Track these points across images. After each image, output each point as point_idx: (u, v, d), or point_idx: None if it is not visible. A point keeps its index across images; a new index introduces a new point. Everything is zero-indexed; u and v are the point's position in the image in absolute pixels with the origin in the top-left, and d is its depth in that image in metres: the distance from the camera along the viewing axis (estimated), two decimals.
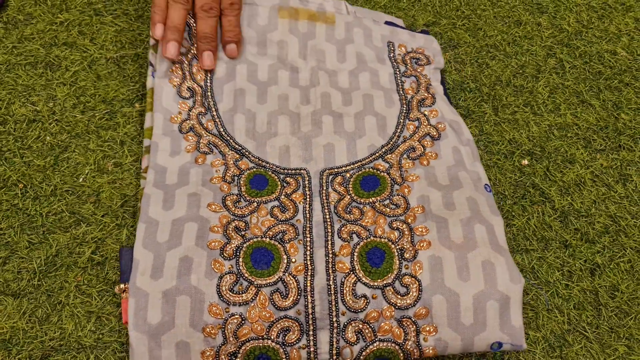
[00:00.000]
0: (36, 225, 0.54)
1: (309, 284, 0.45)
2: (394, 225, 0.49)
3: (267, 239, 0.48)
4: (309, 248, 0.47)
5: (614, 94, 0.69)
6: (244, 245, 0.47)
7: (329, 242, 0.48)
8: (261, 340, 0.44)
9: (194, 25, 0.62)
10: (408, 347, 0.45)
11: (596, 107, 0.68)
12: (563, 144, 0.64)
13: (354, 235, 0.48)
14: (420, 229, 0.49)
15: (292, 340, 0.44)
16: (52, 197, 0.56)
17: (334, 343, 0.44)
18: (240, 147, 0.56)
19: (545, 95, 0.68)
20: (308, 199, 0.51)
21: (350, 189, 0.53)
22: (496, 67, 0.70)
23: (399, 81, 0.63)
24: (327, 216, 0.50)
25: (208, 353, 0.43)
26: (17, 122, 0.60)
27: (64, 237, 0.53)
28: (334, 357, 0.45)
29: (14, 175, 0.57)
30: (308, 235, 0.48)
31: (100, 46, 0.67)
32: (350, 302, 0.45)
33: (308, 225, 0.49)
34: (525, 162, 0.63)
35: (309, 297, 0.45)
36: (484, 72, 0.70)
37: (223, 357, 0.43)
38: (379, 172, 0.54)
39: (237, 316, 0.44)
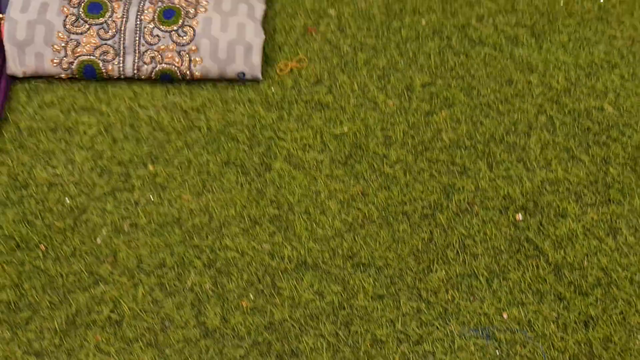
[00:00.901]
0: (57, 286, 0.57)
1: (123, 26, 0.74)
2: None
3: None
4: (126, 5, 0.76)
5: (602, 149, 0.73)
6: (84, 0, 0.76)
7: (141, 4, 0.76)
8: (89, 57, 0.72)
9: None
10: (183, 70, 0.74)
11: (586, 162, 0.72)
12: (555, 198, 0.68)
13: (159, 2, 0.77)
14: (203, 3, 0.77)
15: (109, 58, 0.73)
16: (72, 258, 0.59)
17: (136, 63, 0.73)
18: None
19: (537, 152, 0.72)
20: None
21: None
22: (490, 124, 0.74)
23: None
24: None
25: (56, 60, 0.72)
26: (38, 185, 0.64)
27: (84, 297, 0.56)
28: (135, 72, 0.73)
29: (36, 237, 0.60)
30: None
31: (116, 109, 0.71)
32: (149, 38, 0.74)
33: None
34: (519, 216, 0.66)
35: (122, 34, 0.74)
36: (479, 129, 0.74)
37: (65, 64, 0.71)
38: None
39: (74, 41, 0.73)
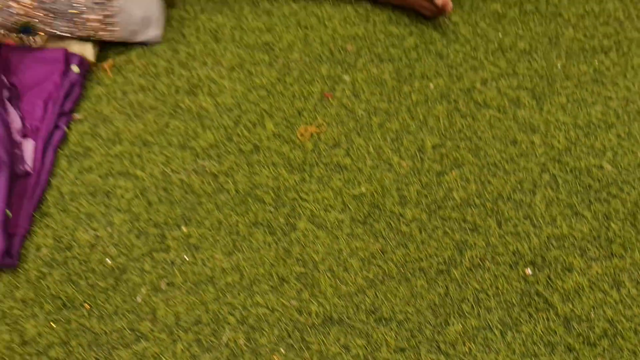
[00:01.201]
0: (102, 343, 0.61)
1: None
2: None
3: None
4: None
5: (603, 206, 0.78)
6: None
7: None
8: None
9: None
10: None
11: (588, 218, 0.77)
12: (561, 253, 0.73)
13: None
14: None
15: None
16: (115, 316, 0.63)
17: None
18: None
19: (542, 209, 0.77)
20: None
21: None
22: (497, 183, 0.80)
23: None
24: None
25: None
26: (81, 247, 0.69)
27: (127, 353, 0.61)
28: None
29: (81, 296, 0.65)
30: None
31: (150, 174, 0.77)
32: None
33: None
34: (528, 271, 0.71)
35: None
36: (487, 188, 0.79)
37: None
38: None
39: None
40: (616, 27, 1.07)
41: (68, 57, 0.84)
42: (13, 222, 0.66)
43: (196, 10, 1.02)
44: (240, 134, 0.83)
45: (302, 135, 0.83)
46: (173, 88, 0.88)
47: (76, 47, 0.88)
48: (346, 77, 0.93)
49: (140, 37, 0.93)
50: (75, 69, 0.84)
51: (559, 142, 0.86)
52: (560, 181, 0.80)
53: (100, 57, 0.91)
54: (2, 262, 0.63)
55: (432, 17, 1.03)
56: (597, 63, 0.99)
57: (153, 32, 0.94)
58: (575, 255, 0.73)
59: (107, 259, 0.68)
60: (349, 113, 0.87)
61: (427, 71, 0.95)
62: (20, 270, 0.66)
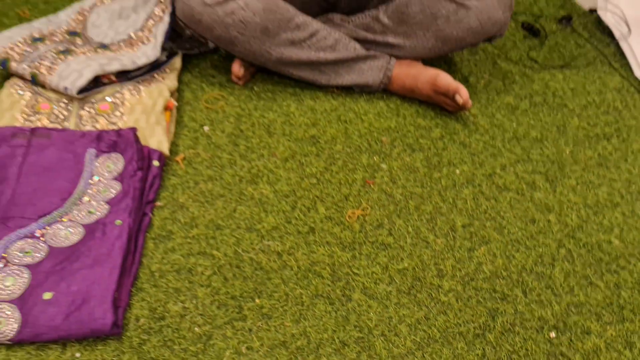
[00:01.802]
0: None
1: None
2: None
3: None
4: None
5: (614, 276, 0.90)
6: None
7: None
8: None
9: None
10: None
11: (602, 287, 0.89)
12: (580, 318, 0.85)
13: None
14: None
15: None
16: None
17: None
18: None
19: (561, 279, 0.90)
20: None
21: None
22: (520, 257, 0.93)
23: None
24: None
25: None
26: (172, 317, 0.82)
27: None
28: None
29: (176, 359, 0.77)
30: None
31: (224, 253, 0.91)
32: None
33: None
34: (552, 334, 0.82)
35: None
36: (512, 262, 0.92)
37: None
38: None
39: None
40: (616, 116, 1.23)
41: (150, 153, 1.00)
42: (117, 296, 0.80)
43: (250, 107, 1.19)
44: (297, 217, 0.97)
45: (350, 217, 0.97)
46: (237, 177, 1.03)
47: (154, 143, 1.04)
48: (384, 165, 1.07)
49: None
50: (155, 163, 0.99)
51: (572, 220, 0.99)
52: (575, 255, 0.93)
53: (172, 151, 1.07)
54: (110, 332, 0.76)
55: (454, 111, 1.19)
56: (600, 149, 1.14)
57: None
58: (592, 320, 0.84)
59: (195, 327, 0.80)
60: (389, 197, 1.02)
61: (453, 159, 1.10)
62: (124, 337, 0.78)
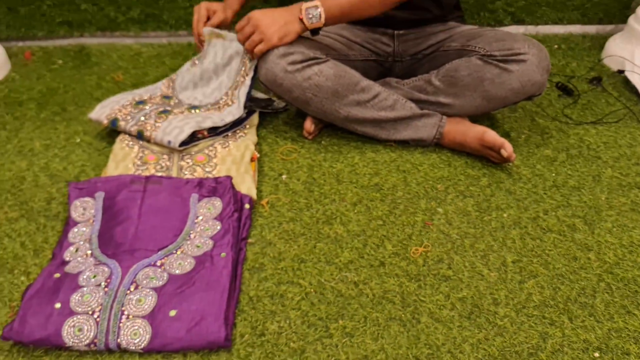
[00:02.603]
0: None
1: None
2: None
3: None
4: None
5: None
6: None
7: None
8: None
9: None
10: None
11: (638, 315, 1.02)
12: (620, 342, 0.98)
13: None
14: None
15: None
16: None
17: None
18: None
19: (602, 309, 1.03)
20: None
21: None
22: (565, 289, 1.07)
23: None
24: None
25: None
26: (270, 334, 0.98)
27: None
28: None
29: None
30: None
31: (309, 282, 1.07)
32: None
33: None
34: (596, 354, 0.95)
35: None
36: (558, 293, 1.06)
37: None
38: None
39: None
40: None
41: (242, 197, 1.18)
42: (226, 315, 0.96)
43: (319, 159, 1.37)
44: (368, 253, 1.13)
45: (414, 253, 1.13)
46: (314, 219, 1.20)
47: (244, 189, 1.22)
48: (440, 209, 1.23)
49: None
50: (247, 206, 1.17)
51: (609, 258, 1.13)
52: (614, 288, 1.07)
53: (257, 196, 1.25)
54: (223, 344, 0.92)
55: (499, 163, 1.35)
56: (633, 196, 1.28)
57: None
58: (631, 342, 0.97)
59: (290, 343, 0.96)
60: (446, 237, 1.17)
61: (500, 204, 1.25)
62: (233, 350, 0.94)
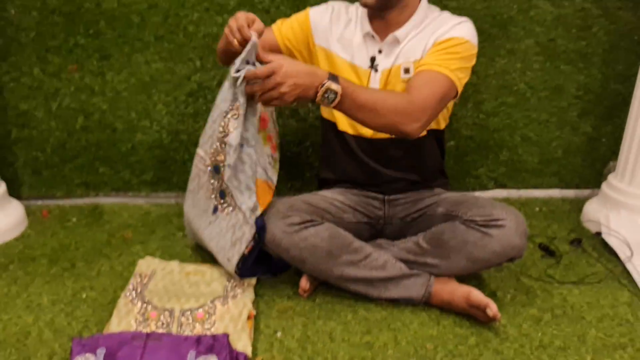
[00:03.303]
0: None
1: None
2: None
3: None
4: None
5: None
6: None
7: None
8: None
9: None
10: None
11: None
12: None
13: None
14: None
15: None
16: None
17: None
18: None
19: None
20: None
21: None
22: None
23: None
24: None
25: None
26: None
27: None
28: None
29: None
30: None
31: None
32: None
33: None
34: None
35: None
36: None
37: None
38: None
39: None
40: (629, 328, 1.42)
41: (237, 355, 1.23)
42: None
43: (314, 316, 1.43)
44: None
45: None
46: None
47: (240, 346, 1.27)
48: None
49: None
50: None
51: None
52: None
53: (254, 352, 1.30)
54: None
55: (486, 322, 1.41)
56: (618, 357, 1.32)
57: None
58: None
59: None
60: None
61: None
62: None
